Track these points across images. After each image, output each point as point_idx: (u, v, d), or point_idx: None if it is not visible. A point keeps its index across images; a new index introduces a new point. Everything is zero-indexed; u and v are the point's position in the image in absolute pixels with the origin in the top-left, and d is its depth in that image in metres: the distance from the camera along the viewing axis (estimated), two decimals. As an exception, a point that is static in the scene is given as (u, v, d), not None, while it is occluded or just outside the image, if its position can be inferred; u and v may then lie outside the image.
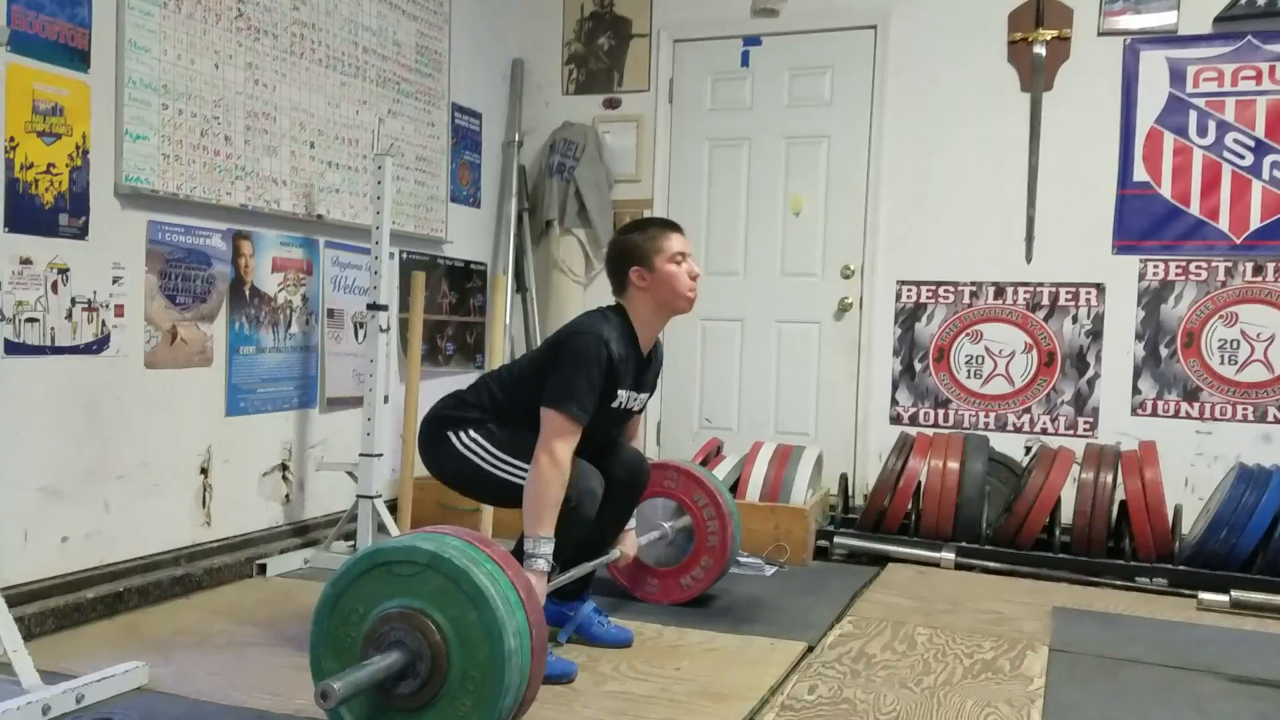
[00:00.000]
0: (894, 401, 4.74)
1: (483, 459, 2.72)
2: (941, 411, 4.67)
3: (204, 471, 3.47)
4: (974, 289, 4.61)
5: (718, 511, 3.28)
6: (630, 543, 3.06)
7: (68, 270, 2.94)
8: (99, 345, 3.06)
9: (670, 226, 2.81)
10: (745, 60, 4.93)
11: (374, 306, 3.70)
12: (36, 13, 2.81)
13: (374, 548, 2.09)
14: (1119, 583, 3.75)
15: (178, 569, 3.31)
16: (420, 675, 2.00)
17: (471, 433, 2.74)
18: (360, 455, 3.68)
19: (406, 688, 2.01)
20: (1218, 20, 4.24)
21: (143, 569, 3.21)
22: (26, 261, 2.83)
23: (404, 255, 4.42)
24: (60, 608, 2.90)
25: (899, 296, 4.72)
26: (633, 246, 2.76)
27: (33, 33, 2.80)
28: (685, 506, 3.32)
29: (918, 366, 4.70)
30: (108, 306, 3.07)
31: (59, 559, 2.98)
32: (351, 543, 3.74)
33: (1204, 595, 3.52)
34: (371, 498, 3.65)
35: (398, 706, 2.02)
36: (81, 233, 2.98)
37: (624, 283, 2.78)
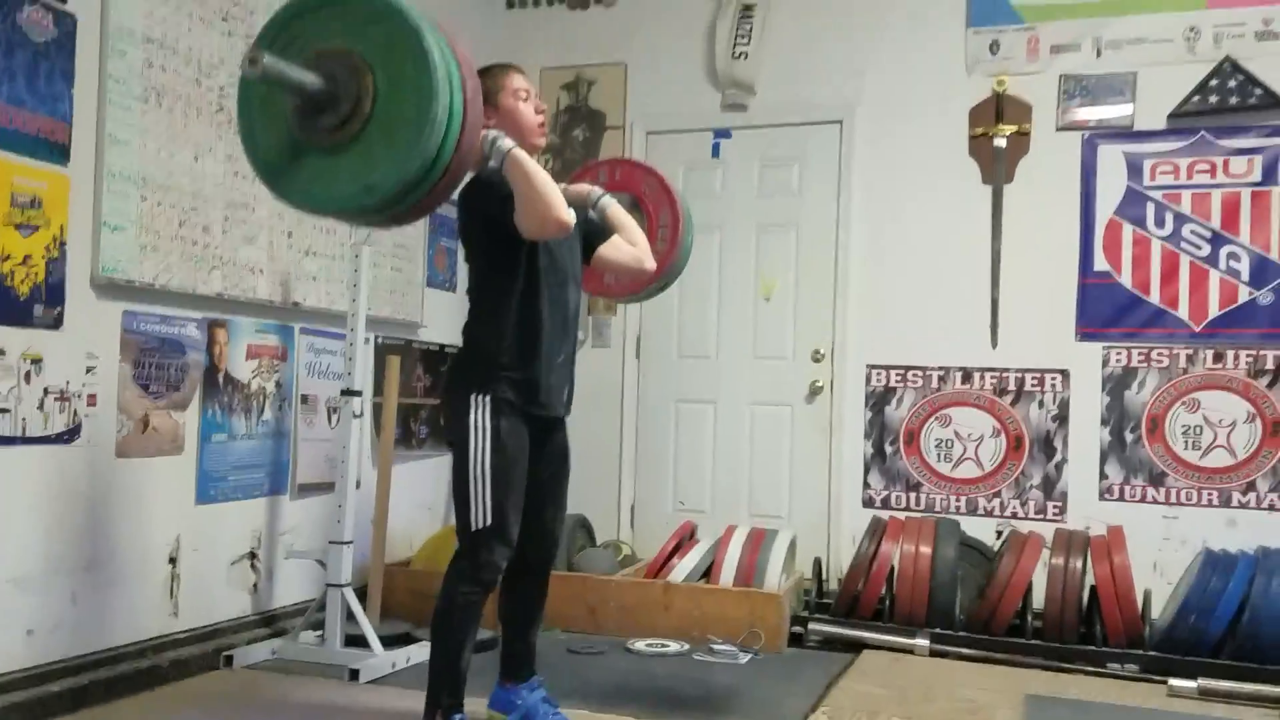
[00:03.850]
0: (866, 484, 4.77)
1: (474, 457, 2.59)
2: (913, 494, 4.70)
3: (172, 561, 3.44)
4: (941, 373, 4.68)
5: (672, 236, 3.10)
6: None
7: (41, 360, 2.94)
8: (70, 435, 3.05)
9: (510, 67, 2.79)
10: (716, 151, 5.05)
11: (348, 392, 3.71)
12: (18, 108, 2.85)
13: None
14: (1091, 669, 3.75)
15: (144, 661, 3.26)
16: (341, 113, 2.04)
17: (487, 411, 2.62)
18: (330, 543, 3.65)
19: (326, 122, 2.05)
20: (1172, 116, 4.38)
21: (109, 661, 3.16)
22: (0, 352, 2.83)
23: (379, 339, 4.44)
24: (24, 702, 2.84)
25: (869, 380, 4.78)
26: None
27: (13, 128, 2.84)
28: (647, 219, 3.12)
29: (889, 449, 4.74)
30: (80, 396, 3.07)
31: (25, 651, 2.92)
32: (320, 633, 3.69)
33: (1174, 682, 3.54)
34: (340, 586, 3.61)
35: (314, 144, 2.07)
36: (56, 323, 2.99)
37: None
